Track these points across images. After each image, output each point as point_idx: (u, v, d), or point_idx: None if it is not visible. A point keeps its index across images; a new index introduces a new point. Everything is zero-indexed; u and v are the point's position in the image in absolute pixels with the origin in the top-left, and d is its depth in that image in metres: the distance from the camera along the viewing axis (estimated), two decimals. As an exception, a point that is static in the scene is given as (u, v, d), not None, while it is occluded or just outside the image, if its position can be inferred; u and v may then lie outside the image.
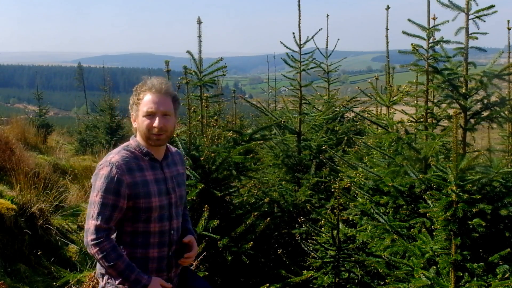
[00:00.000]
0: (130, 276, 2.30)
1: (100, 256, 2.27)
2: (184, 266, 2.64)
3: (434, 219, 3.52)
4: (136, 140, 2.48)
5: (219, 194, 4.24)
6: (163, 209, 2.43)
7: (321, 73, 7.73)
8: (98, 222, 2.28)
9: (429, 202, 3.67)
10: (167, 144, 2.57)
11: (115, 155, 2.38)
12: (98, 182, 2.32)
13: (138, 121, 2.43)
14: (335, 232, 4.08)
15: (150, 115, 2.39)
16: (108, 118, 14.90)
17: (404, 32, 4.04)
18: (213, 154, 4.40)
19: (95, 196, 2.32)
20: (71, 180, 7.24)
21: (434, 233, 3.57)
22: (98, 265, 2.45)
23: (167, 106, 2.43)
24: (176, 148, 2.73)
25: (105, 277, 2.38)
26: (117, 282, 2.32)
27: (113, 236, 2.36)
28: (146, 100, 2.40)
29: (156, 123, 2.38)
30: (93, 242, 2.27)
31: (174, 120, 2.50)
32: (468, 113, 3.81)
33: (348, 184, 4.60)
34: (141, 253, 2.40)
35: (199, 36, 4.46)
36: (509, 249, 3.27)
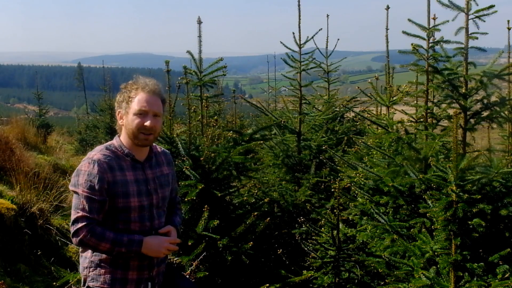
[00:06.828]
0: (122, 240, 2.31)
1: (88, 236, 2.28)
2: (170, 264, 2.64)
3: (434, 219, 3.52)
4: (119, 140, 2.49)
5: (219, 194, 4.24)
6: (143, 209, 2.43)
7: (321, 73, 7.73)
8: (83, 213, 2.30)
9: (429, 202, 3.67)
10: (154, 143, 2.57)
11: (97, 153, 2.39)
12: (81, 178, 2.33)
13: (127, 119, 2.43)
14: (335, 232, 4.08)
15: (141, 114, 2.40)
16: (108, 118, 14.91)
17: (404, 32, 4.03)
18: (213, 154, 4.39)
19: (79, 191, 2.32)
20: (71, 180, 7.22)
21: (434, 233, 3.56)
22: (81, 259, 2.46)
23: (158, 106, 2.44)
24: (163, 149, 2.71)
25: (86, 270, 2.40)
26: (114, 252, 2.31)
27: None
28: (139, 99, 2.40)
29: (148, 122, 2.39)
30: (80, 226, 2.29)
31: (162, 122, 2.52)
32: (468, 113, 3.80)
33: (348, 184, 4.59)
34: None
35: (199, 36, 4.45)
36: (509, 249, 3.27)
